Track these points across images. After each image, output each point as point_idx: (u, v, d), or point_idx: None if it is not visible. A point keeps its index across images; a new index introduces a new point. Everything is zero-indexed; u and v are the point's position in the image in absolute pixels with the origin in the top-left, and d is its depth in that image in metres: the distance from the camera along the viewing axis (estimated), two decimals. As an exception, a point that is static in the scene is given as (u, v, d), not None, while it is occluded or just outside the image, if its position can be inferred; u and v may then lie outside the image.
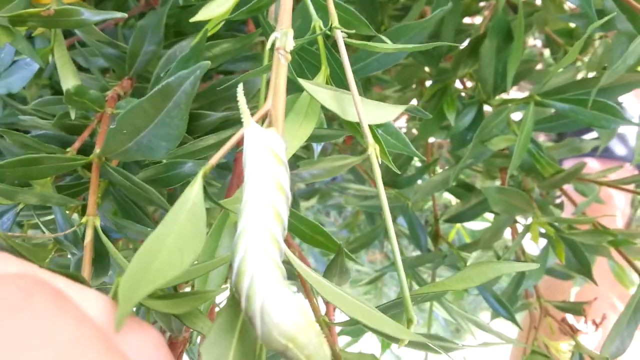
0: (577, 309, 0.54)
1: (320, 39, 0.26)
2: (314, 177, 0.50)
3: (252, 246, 0.17)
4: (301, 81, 0.22)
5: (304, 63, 0.28)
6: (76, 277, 0.18)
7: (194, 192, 0.20)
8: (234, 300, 0.19)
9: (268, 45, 0.21)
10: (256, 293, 0.17)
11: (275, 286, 0.17)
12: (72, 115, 0.35)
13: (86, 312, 0.14)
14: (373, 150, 0.22)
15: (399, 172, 0.32)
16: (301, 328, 0.16)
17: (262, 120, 0.20)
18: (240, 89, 0.18)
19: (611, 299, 0.64)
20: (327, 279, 0.34)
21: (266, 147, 0.18)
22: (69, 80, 0.34)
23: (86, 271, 0.24)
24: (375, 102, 0.25)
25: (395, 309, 0.27)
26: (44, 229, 0.31)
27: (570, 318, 0.54)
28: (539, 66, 0.63)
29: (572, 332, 0.52)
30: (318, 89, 0.23)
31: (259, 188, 0.18)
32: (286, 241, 0.41)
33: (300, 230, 0.31)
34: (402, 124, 0.82)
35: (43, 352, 0.11)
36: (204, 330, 0.23)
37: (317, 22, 0.26)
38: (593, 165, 0.76)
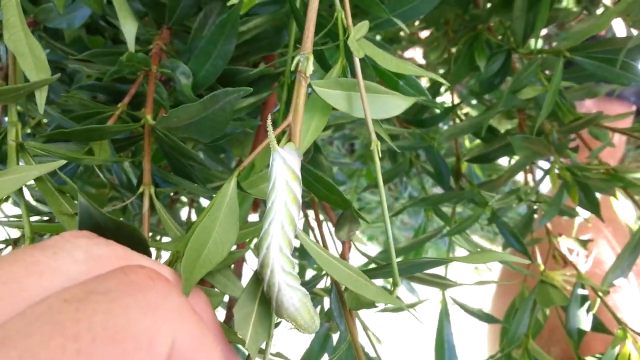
0: (583, 245, 0.58)
1: (340, 31, 0.29)
2: (336, 119, 0.53)
3: (272, 246, 0.22)
4: (313, 85, 0.25)
5: (327, 51, 0.30)
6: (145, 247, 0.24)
7: (230, 187, 0.24)
8: (258, 277, 0.25)
9: (292, 67, 0.24)
10: (274, 284, 0.22)
11: (287, 280, 0.22)
12: (123, 74, 0.38)
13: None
14: (375, 147, 0.25)
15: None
16: (300, 313, 0.22)
17: (285, 131, 0.24)
18: (269, 122, 0.22)
19: (605, 234, 0.68)
20: (339, 229, 0.38)
21: (286, 168, 0.22)
22: (128, 23, 0.37)
23: (145, 234, 0.30)
24: (385, 95, 0.27)
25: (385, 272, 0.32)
26: (103, 177, 0.37)
27: (563, 249, 0.58)
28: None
29: (564, 262, 0.57)
30: (328, 92, 0.25)
31: (279, 202, 0.22)
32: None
33: (316, 187, 0.34)
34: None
35: (165, 312, 0.19)
36: (233, 291, 0.28)
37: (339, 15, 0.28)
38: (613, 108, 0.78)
